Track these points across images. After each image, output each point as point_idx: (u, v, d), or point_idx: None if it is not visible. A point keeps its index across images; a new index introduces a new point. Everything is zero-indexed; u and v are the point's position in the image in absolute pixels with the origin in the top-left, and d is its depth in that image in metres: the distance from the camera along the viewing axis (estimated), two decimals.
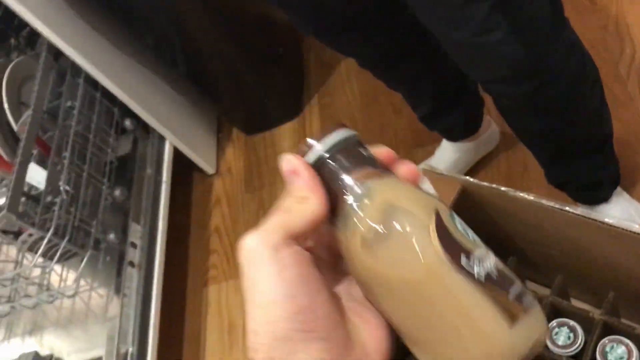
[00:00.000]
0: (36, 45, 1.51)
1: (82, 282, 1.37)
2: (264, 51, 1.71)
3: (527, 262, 1.00)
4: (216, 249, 1.62)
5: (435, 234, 0.33)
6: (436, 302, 0.34)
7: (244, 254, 0.34)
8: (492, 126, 1.34)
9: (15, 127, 1.38)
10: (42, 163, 1.33)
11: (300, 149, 0.36)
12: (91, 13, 1.47)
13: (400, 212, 0.34)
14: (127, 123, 1.56)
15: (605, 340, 0.90)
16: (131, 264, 1.37)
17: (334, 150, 0.36)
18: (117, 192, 1.44)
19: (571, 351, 0.92)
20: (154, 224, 1.47)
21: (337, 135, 0.36)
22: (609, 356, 0.90)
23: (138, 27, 1.58)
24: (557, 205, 0.80)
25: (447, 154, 1.34)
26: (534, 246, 0.95)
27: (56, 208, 1.26)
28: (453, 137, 1.32)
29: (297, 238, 0.34)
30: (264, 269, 0.33)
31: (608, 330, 0.92)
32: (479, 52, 0.90)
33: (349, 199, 0.35)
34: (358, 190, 0.35)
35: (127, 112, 1.52)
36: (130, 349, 1.28)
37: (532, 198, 0.82)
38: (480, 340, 0.34)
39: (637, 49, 1.38)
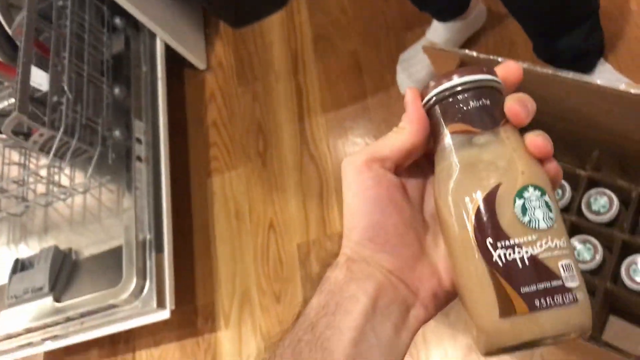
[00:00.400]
0: None
1: (92, 180, 1.43)
2: None
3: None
4: (215, 141, 1.68)
5: (475, 209, 0.35)
6: (459, 261, 0.36)
7: (342, 172, 0.39)
8: (480, 5, 1.38)
9: (9, 30, 1.38)
10: (39, 65, 1.35)
11: (428, 85, 0.39)
12: None
13: (463, 177, 0.36)
14: (118, 21, 1.56)
15: (589, 192, 1.01)
16: (139, 158, 1.43)
17: (443, 95, 0.37)
18: (117, 90, 1.47)
19: (560, 205, 1.02)
20: (155, 120, 1.52)
21: (457, 81, 0.37)
22: (593, 206, 1.00)
23: None
24: (550, 71, 0.87)
25: (437, 35, 1.38)
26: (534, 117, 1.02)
27: (63, 108, 1.29)
28: (443, 18, 1.36)
29: (384, 162, 0.38)
30: (350, 186, 0.38)
31: (592, 184, 1.02)
32: None
33: (440, 145, 0.38)
34: (446, 141, 0.37)
35: (117, 9, 1.52)
36: (148, 236, 1.36)
37: (526, 66, 0.89)
38: (477, 312, 0.36)
39: None
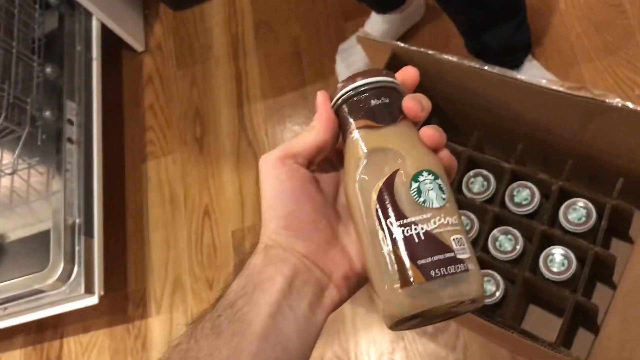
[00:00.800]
0: None
1: (19, 161, 1.38)
2: None
3: (449, 123, 1.10)
4: (152, 125, 1.65)
5: (377, 193, 0.39)
6: (365, 242, 0.40)
7: (259, 168, 0.43)
8: None
9: None
10: None
11: (338, 87, 0.43)
12: None
13: (367, 166, 0.40)
14: None
15: (513, 185, 1.04)
16: (70, 140, 1.39)
17: (348, 96, 0.42)
18: (48, 70, 1.42)
19: (485, 196, 1.05)
20: (88, 101, 1.48)
21: (359, 82, 0.42)
22: (516, 199, 1.04)
23: None
24: (476, 65, 0.89)
25: (375, 26, 1.40)
26: (455, 105, 1.05)
27: None
28: (381, 9, 1.37)
29: (296, 158, 0.42)
30: (266, 181, 0.42)
31: (516, 177, 1.05)
32: None
33: (347, 139, 0.42)
34: (352, 135, 0.42)
35: None
36: (77, 220, 1.33)
37: (455, 59, 0.91)
38: (381, 287, 0.39)
39: None
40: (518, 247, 1.01)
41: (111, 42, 1.65)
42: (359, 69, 1.41)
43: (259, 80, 1.59)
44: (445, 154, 0.42)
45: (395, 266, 0.38)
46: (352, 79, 0.42)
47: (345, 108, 0.42)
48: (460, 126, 1.11)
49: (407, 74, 0.44)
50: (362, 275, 0.42)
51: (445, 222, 0.38)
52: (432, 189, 0.39)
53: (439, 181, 0.39)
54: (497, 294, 0.99)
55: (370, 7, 1.39)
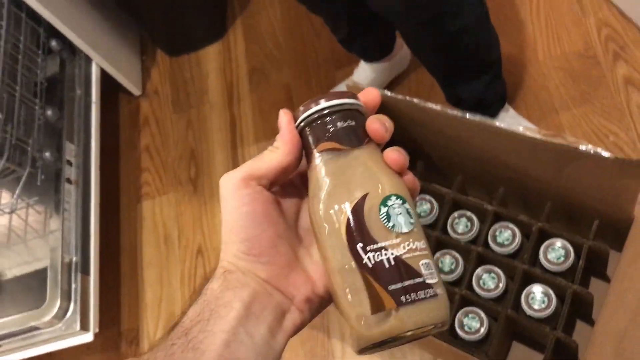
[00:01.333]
0: None
1: (19, 200, 1.42)
2: None
3: (433, 167, 1.16)
4: (148, 166, 1.70)
5: (345, 218, 0.39)
6: (333, 268, 0.40)
7: (220, 189, 0.42)
8: (404, 48, 1.48)
9: None
10: None
11: (300, 110, 0.43)
12: None
13: (333, 190, 0.40)
14: (54, 44, 1.57)
15: (495, 226, 1.09)
16: (68, 180, 1.43)
17: (313, 118, 0.41)
18: (49, 112, 1.48)
19: (469, 237, 1.11)
20: (87, 142, 1.53)
21: (324, 105, 0.41)
22: (498, 239, 1.09)
23: None
24: (459, 114, 0.95)
25: (364, 74, 1.47)
26: (439, 150, 1.11)
27: None
28: (369, 58, 1.45)
29: (260, 180, 0.41)
30: (227, 203, 0.41)
31: (498, 218, 1.10)
32: None
33: (312, 162, 0.42)
34: (317, 158, 0.41)
35: (53, 32, 1.54)
36: (74, 258, 1.36)
37: (438, 108, 0.97)
38: (350, 312, 0.39)
39: None
40: (501, 285, 1.05)
41: (110, 86, 1.71)
42: None
43: (252, 124, 1.65)
44: (409, 176, 0.42)
45: (366, 292, 0.37)
46: (316, 101, 0.42)
47: (310, 130, 0.42)
48: (444, 170, 1.17)
49: (369, 95, 0.44)
50: (325, 297, 0.43)
51: (414, 247, 0.38)
52: (400, 214, 0.39)
53: (407, 205, 0.39)
54: (482, 330, 1.03)
55: (359, 56, 1.46)
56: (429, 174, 1.16)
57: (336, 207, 0.39)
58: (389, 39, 1.43)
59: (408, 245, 0.38)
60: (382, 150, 0.42)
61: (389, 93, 1.01)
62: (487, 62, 1.23)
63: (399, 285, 0.37)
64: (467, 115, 0.94)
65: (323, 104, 0.41)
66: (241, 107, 1.69)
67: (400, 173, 0.41)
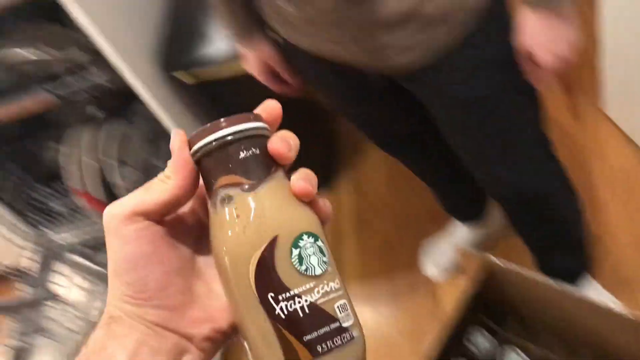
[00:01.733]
0: None
1: None
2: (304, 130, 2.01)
3: (524, 323, 1.30)
4: None
5: (254, 265, 0.35)
6: (243, 317, 0.37)
7: (104, 225, 0.38)
8: (495, 213, 1.68)
9: None
10: None
11: (197, 132, 0.37)
12: None
13: (239, 232, 0.36)
14: None
15: None
16: None
17: (211, 148, 0.37)
18: None
19: None
20: None
21: (224, 132, 0.36)
22: None
23: None
24: (558, 287, 1.12)
25: (458, 232, 1.68)
26: (535, 314, 1.26)
27: None
28: (464, 220, 1.67)
29: (149, 214, 0.37)
30: (112, 242, 0.37)
31: None
32: (497, 182, 1.23)
33: (213, 197, 0.38)
34: (218, 193, 0.37)
35: None
36: None
37: (540, 279, 1.15)
38: None
39: (606, 161, 1.74)
40: None
41: None
42: (443, 265, 1.66)
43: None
44: (319, 205, 0.39)
45: (279, 345, 0.35)
46: (216, 125, 0.37)
47: (209, 160, 0.37)
48: (540, 332, 1.31)
49: (270, 109, 0.40)
50: (229, 331, 0.39)
51: (329, 289, 0.36)
52: (313, 254, 0.36)
53: (319, 242, 0.37)
54: None
55: (456, 217, 1.68)
56: (523, 333, 1.29)
57: (243, 254, 0.36)
58: (482, 209, 1.64)
59: (322, 288, 0.36)
60: (291, 169, 0.39)
61: (493, 258, 1.18)
62: (577, 239, 1.41)
63: (315, 334, 0.35)
64: (568, 288, 1.10)
65: (222, 131, 0.37)
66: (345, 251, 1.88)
67: (309, 202, 0.38)
